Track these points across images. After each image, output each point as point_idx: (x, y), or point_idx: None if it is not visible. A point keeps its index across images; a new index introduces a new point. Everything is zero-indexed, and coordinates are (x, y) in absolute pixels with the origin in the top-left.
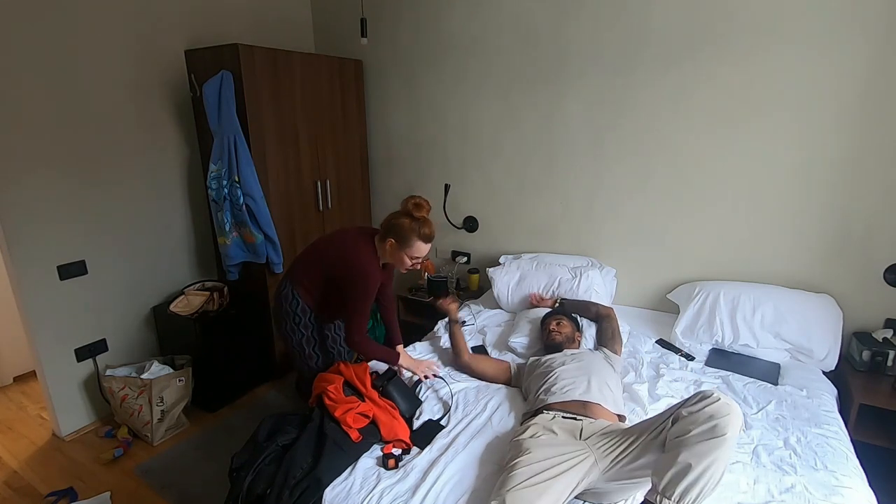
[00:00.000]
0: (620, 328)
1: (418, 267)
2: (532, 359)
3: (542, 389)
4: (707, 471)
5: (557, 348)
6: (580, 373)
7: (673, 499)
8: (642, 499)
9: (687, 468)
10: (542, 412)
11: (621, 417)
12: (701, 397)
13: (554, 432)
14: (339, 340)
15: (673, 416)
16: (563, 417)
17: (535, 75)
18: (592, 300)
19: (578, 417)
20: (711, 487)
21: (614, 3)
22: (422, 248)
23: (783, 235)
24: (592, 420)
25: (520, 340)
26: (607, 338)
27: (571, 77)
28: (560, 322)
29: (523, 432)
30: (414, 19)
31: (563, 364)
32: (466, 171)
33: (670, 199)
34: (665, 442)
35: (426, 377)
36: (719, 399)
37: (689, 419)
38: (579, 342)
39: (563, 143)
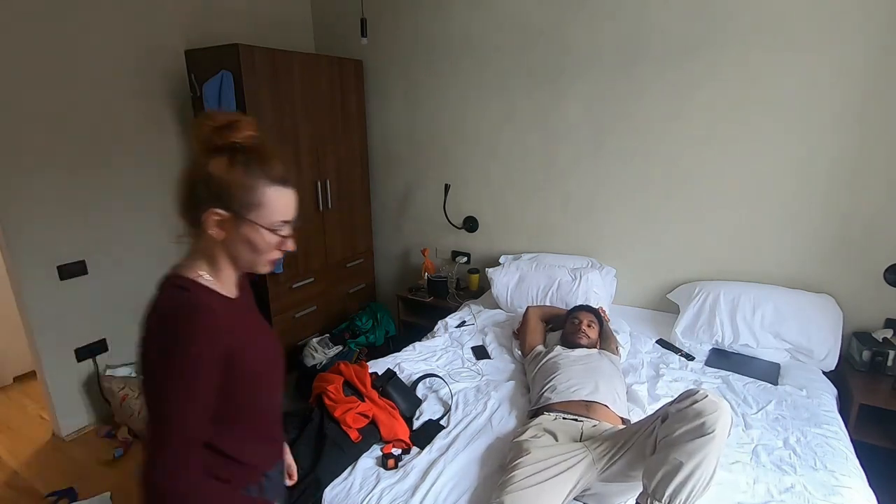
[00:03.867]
0: (621, 328)
1: (289, 248)
2: (542, 348)
3: (546, 387)
4: (697, 469)
5: (574, 347)
6: (587, 374)
7: (663, 500)
8: (634, 502)
9: (676, 467)
10: (543, 413)
11: (625, 421)
12: (688, 395)
13: (554, 434)
14: None
15: (661, 415)
16: (564, 419)
17: (535, 75)
18: (588, 304)
19: (580, 419)
20: (702, 487)
21: (614, 3)
22: (284, 200)
23: (783, 235)
24: (594, 423)
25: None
26: (603, 339)
27: (571, 77)
28: (592, 324)
29: (523, 433)
30: (414, 19)
31: (572, 363)
32: (466, 171)
33: (670, 199)
34: (656, 442)
35: None
36: (706, 396)
37: (677, 416)
38: (597, 349)
39: (562, 143)
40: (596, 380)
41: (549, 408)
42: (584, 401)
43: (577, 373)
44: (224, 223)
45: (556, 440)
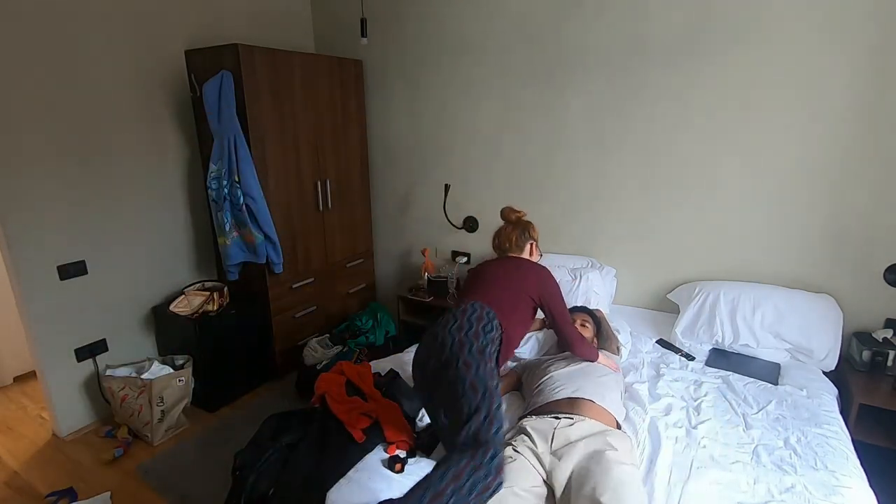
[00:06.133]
0: (621, 328)
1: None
2: (536, 358)
3: (534, 392)
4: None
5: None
6: (571, 376)
7: None
8: None
9: None
10: (528, 416)
11: (617, 423)
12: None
13: (529, 434)
14: None
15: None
16: (541, 417)
17: (536, 75)
18: (588, 304)
19: (559, 416)
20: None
21: (615, 3)
22: None
23: (783, 235)
24: (571, 421)
25: (520, 350)
26: (602, 339)
27: (572, 77)
28: (585, 324)
29: (511, 439)
30: (414, 19)
31: (560, 367)
32: (466, 172)
33: (671, 199)
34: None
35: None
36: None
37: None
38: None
39: (563, 142)
40: (581, 379)
41: (535, 411)
42: (567, 398)
43: (562, 375)
44: (536, 249)
45: (533, 442)
